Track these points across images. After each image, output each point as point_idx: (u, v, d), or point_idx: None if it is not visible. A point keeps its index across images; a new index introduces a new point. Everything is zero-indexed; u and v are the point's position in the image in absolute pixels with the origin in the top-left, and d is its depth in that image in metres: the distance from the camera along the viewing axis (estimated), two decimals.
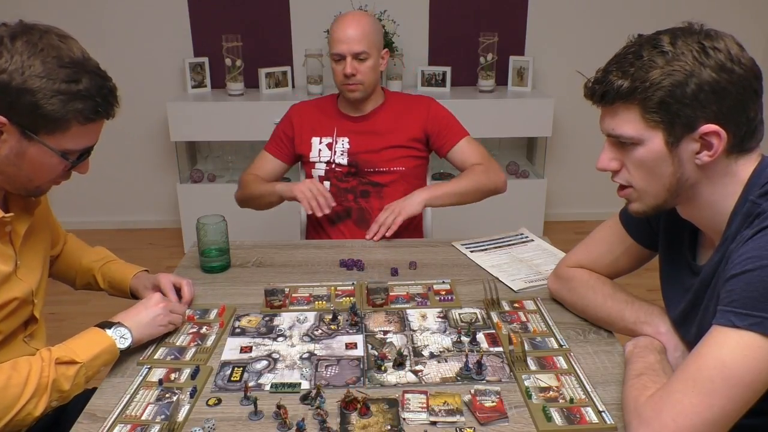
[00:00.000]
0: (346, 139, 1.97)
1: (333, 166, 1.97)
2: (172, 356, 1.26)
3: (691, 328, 1.12)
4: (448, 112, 2.03)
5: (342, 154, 1.96)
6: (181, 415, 1.08)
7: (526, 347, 1.24)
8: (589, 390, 1.13)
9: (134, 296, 1.49)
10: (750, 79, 0.96)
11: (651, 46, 0.98)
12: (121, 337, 1.20)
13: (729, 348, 0.90)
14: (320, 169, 1.99)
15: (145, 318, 1.26)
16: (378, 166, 1.96)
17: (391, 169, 1.96)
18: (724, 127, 0.96)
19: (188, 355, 1.26)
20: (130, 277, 1.48)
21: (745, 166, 1.01)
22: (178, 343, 1.30)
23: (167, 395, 1.13)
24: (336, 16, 1.99)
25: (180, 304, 1.38)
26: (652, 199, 1.06)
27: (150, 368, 1.21)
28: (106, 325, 1.22)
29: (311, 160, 2.00)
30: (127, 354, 1.26)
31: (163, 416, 1.08)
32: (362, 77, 1.89)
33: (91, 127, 1.14)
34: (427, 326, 1.35)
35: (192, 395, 1.13)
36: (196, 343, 1.30)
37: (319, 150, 1.98)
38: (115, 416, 1.08)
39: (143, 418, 1.08)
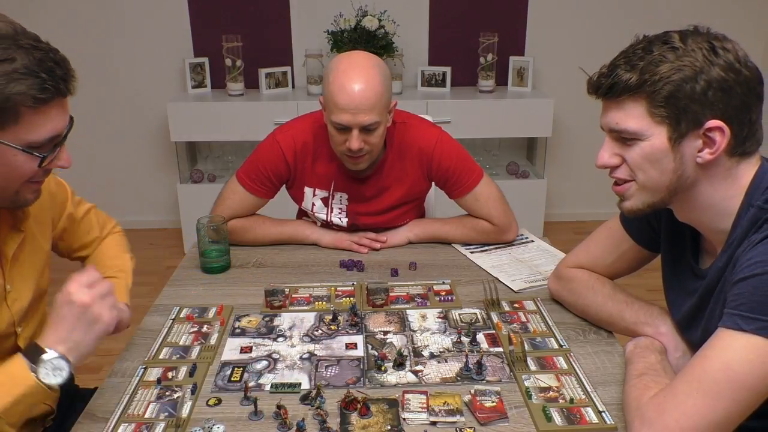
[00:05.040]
0: (345, 196, 1.71)
1: (330, 224, 1.76)
2: (177, 355, 1.26)
3: (696, 332, 1.12)
4: (456, 156, 1.67)
5: (340, 213, 1.72)
6: (184, 412, 1.09)
7: (526, 347, 1.24)
8: (589, 390, 1.13)
9: None
10: (755, 82, 0.97)
11: (661, 42, 0.98)
12: (54, 369, 0.94)
13: (735, 351, 0.90)
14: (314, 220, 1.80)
15: (80, 327, 0.98)
16: (380, 226, 1.76)
17: (396, 225, 1.78)
18: (728, 125, 0.96)
19: (193, 354, 1.26)
20: None
21: (746, 170, 1.01)
22: (181, 343, 1.30)
23: (167, 393, 1.14)
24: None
25: (103, 281, 1.03)
26: (650, 196, 1.05)
27: (146, 368, 1.21)
28: (35, 351, 0.96)
29: (303, 208, 1.78)
30: (127, 354, 1.26)
31: (167, 413, 1.08)
32: (371, 147, 1.55)
33: (46, 110, 0.97)
34: (427, 326, 1.35)
35: (193, 392, 1.14)
36: (199, 341, 1.30)
37: (313, 204, 1.72)
38: (117, 416, 1.08)
39: (146, 416, 1.08)
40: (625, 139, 1.03)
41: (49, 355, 0.95)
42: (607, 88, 1.01)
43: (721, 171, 1.01)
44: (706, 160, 0.98)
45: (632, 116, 1.00)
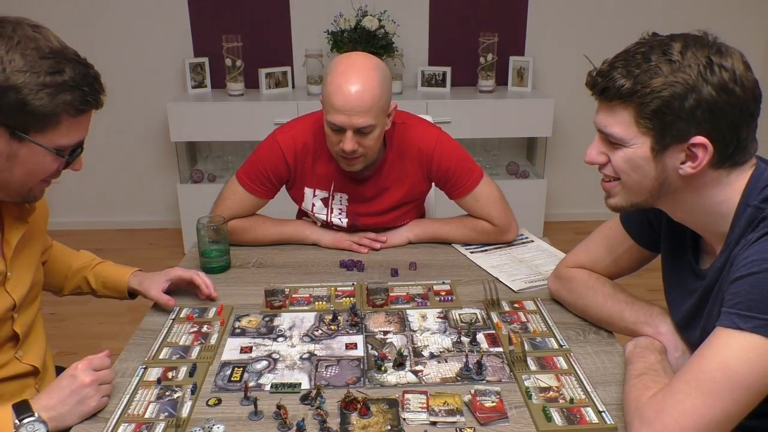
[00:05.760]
0: (345, 196, 1.70)
1: (330, 224, 1.76)
2: (177, 356, 1.26)
3: (695, 331, 1.12)
4: (456, 157, 1.67)
5: (340, 213, 1.72)
6: (184, 412, 1.09)
7: (526, 347, 1.24)
8: (589, 390, 1.13)
9: (132, 296, 1.49)
10: (749, 101, 0.96)
11: (661, 51, 0.97)
12: None
13: (732, 350, 0.90)
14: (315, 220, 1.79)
15: (70, 402, 1.06)
16: (380, 227, 1.76)
17: (396, 225, 1.77)
18: (713, 143, 0.96)
19: (193, 354, 1.26)
20: (128, 277, 1.47)
21: (738, 177, 1.01)
22: (181, 343, 1.30)
23: (167, 393, 1.14)
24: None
25: (109, 369, 1.14)
26: (634, 196, 1.07)
27: (146, 368, 1.21)
28: (24, 409, 1.04)
29: (303, 209, 1.78)
30: (127, 354, 1.26)
31: (166, 413, 1.08)
32: (365, 150, 1.54)
33: (81, 120, 1.08)
34: (427, 326, 1.35)
35: (193, 392, 1.14)
36: (199, 341, 1.30)
37: (313, 204, 1.72)
38: (117, 416, 1.08)
39: (146, 416, 1.08)
40: (611, 141, 1.04)
41: (33, 418, 1.03)
42: (601, 89, 1.02)
43: (706, 181, 1.01)
44: (688, 173, 0.99)
45: (620, 122, 1.01)
